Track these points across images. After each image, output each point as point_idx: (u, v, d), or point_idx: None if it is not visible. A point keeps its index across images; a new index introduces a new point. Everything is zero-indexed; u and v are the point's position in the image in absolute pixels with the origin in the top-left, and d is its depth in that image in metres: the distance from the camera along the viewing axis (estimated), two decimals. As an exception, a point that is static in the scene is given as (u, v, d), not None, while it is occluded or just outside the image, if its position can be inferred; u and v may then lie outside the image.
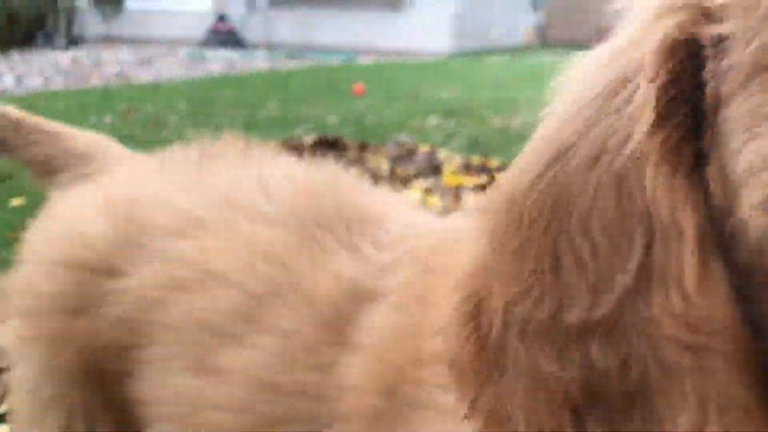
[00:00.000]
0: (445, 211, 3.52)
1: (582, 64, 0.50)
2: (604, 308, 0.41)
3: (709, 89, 0.41)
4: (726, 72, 0.40)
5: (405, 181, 4.28)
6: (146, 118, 6.70)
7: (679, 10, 0.43)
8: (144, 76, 10.47)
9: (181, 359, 0.84)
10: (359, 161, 4.58)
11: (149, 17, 17.48)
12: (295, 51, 15.09)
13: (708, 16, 0.42)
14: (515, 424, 0.43)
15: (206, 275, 0.85)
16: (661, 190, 0.40)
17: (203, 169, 1.00)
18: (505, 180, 0.49)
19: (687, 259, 0.39)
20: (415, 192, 3.86)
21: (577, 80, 0.49)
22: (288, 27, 16.59)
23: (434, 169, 4.44)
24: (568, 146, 0.44)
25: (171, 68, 11.55)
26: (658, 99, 0.41)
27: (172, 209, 0.92)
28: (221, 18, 16.35)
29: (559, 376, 0.41)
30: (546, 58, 15.94)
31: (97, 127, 6.14)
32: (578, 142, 0.44)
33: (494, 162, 4.69)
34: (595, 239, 0.41)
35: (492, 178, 4.33)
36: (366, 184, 1.03)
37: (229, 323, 0.82)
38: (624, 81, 0.43)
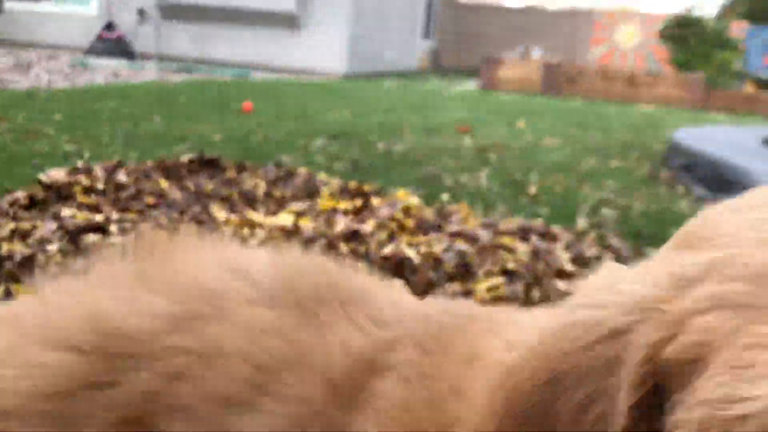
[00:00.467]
0: (318, 234, 3.62)
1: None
2: None
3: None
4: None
5: (280, 203, 4.35)
6: (19, 128, 6.40)
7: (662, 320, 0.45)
8: (21, 82, 9.98)
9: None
10: (236, 182, 4.60)
11: (31, 19, 16.65)
12: (187, 64, 14.80)
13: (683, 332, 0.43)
14: None
15: (213, 355, 0.84)
16: None
17: (154, 275, 0.94)
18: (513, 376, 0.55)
19: None
20: (288, 215, 3.94)
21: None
22: (181, 39, 16.27)
23: (311, 192, 4.53)
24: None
25: (51, 75, 11.05)
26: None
27: (151, 313, 0.88)
28: (109, 25, 15.80)
29: None
30: (436, 83, 16.48)
31: (-39, 136, 5.81)
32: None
33: (371, 186, 4.84)
34: None
35: (366, 201, 4.48)
36: (349, 266, 0.99)
37: (242, 393, 0.81)
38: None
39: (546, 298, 3.24)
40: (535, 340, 0.55)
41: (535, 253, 3.97)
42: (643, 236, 4.87)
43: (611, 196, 6.37)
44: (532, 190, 6.18)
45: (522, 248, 3.94)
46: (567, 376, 0.49)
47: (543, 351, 0.53)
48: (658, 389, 0.44)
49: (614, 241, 4.73)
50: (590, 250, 4.39)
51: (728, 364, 0.40)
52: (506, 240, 3.95)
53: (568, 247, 4.37)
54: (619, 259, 4.35)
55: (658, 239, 4.80)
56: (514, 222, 4.70)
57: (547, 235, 4.51)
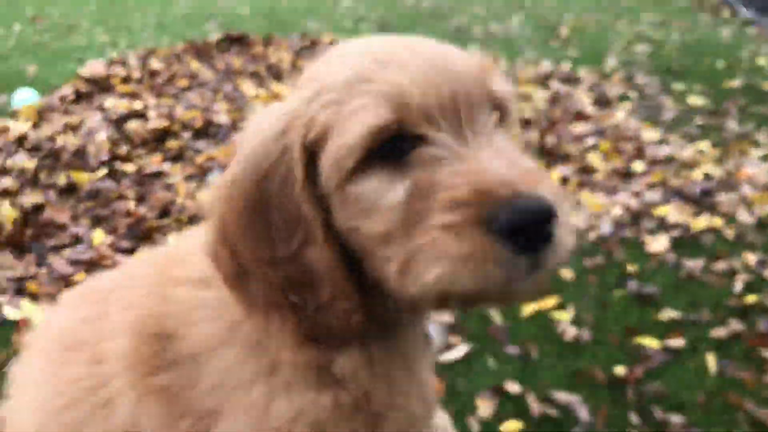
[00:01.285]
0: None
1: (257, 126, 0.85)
2: (290, 250, 0.81)
3: (322, 179, 0.78)
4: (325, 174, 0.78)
5: (307, 73, 4.51)
6: (56, 25, 6.62)
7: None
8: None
9: None
10: (263, 57, 4.76)
11: None
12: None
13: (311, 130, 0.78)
14: (260, 304, 0.83)
15: None
16: (305, 205, 0.79)
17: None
18: (223, 186, 0.83)
19: (319, 235, 0.79)
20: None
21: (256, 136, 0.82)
22: None
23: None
24: (263, 171, 0.80)
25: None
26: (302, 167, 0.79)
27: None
28: None
29: (275, 278, 0.81)
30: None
31: (5, 38, 6.09)
32: (268, 170, 0.80)
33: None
34: (282, 222, 0.80)
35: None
36: None
37: None
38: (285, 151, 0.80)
39: (560, 143, 3.40)
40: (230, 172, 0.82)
41: (555, 99, 4.07)
42: (674, 71, 4.83)
43: (647, 31, 6.22)
44: (564, 32, 6.09)
45: (541, 95, 4.04)
46: (266, 173, 0.79)
47: (241, 174, 0.80)
48: (311, 164, 0.79)
49: (641, 78, 4.74)
50: (614, 90, 4.43)
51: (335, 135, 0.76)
52: (526, 88, 4.04)
53: (591, 89, 4.43)
54: (644, 96, 4.39)
55: (689, 73, 4.78)
56: (537, 68, 4.74)
57: (570, 79, 4.56)
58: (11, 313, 2.25)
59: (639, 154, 3.38)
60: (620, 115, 3.98)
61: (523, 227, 0.67)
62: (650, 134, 3.64)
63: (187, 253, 0.98)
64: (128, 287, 1.01)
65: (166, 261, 1.01)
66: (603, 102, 4.26)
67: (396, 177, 0.74)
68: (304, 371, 0.87)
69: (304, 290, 0.81)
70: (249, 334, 0.89)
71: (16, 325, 2.21)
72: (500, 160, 0.71)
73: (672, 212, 2.78)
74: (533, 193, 0.67)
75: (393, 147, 0.74)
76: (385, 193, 0.74)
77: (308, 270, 0.80)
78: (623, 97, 4.36)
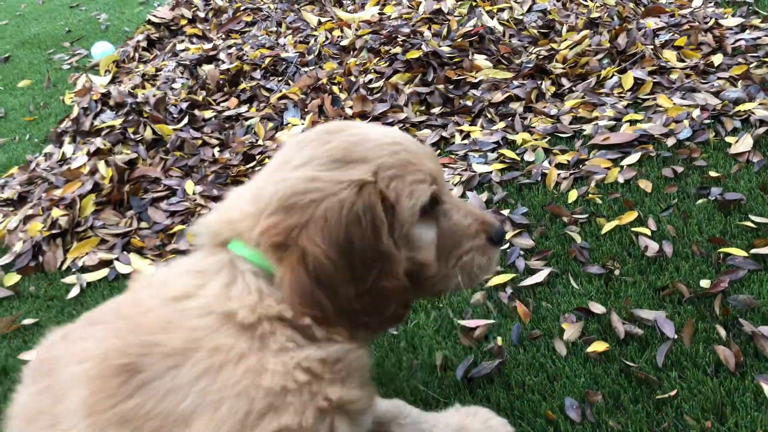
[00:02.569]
0: (402, 20, 3.77)
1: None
2: (367, 284, 1.04)
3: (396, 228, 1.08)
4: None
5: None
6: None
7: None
8: None
9: None
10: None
11: None
12: None
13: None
14: (345, 329, 1.05)
15: None
16: (391, 247, 1.06)
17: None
18: (313, 244, 1.01)
19: (398, 268, 1.06)
20: (372, 6, 4.07)
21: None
22: None
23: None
24: (350, 228, 1.02)
25: None
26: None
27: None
28: None
29: (356, 307, 1.04)
30: None
31: (71, -13, 6.21)
32: (353, 228, 1.02)
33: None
34: (362, 264, 1.02)
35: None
36: None
37: None
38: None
39: (632, 42, 3.27)
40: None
41: (624, -6, 3.88)
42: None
43: None
44: None
45: (609, -10, 3.86)
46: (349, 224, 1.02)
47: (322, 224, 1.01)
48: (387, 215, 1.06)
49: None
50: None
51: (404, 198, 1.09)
52: (592, -15, 3.86)
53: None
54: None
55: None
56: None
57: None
58: (122, 268, 2.47)
59: (719, 45, 3.22)
60: (697, 2, 3.76)
61: (503, 239, 1.25)
62: (730, 20, 3.44)
63: (160, 280, 1.08)
64: (85, 337, 1.08)
65: (130, 296, 1.13)
66: (678, -11, 4.02)
67: (432, 222, 1.16)
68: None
69: (372, 312, 1.07)
70: (237, 319, 0.99)
71: (129, 279, 2.43)
72: (469, 206, 1.23)
73: (757, 108, 2.68)
74: (496, 221, 1.24)
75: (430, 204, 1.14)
76: (429, 231, 1.15)
77: (382, 296, 1.06)
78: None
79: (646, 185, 2.39)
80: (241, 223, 1.04)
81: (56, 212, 2.67)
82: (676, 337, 1.75)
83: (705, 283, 1.92)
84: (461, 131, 2.93)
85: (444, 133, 2.92)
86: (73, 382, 1.02)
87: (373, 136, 1.11)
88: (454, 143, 2.87)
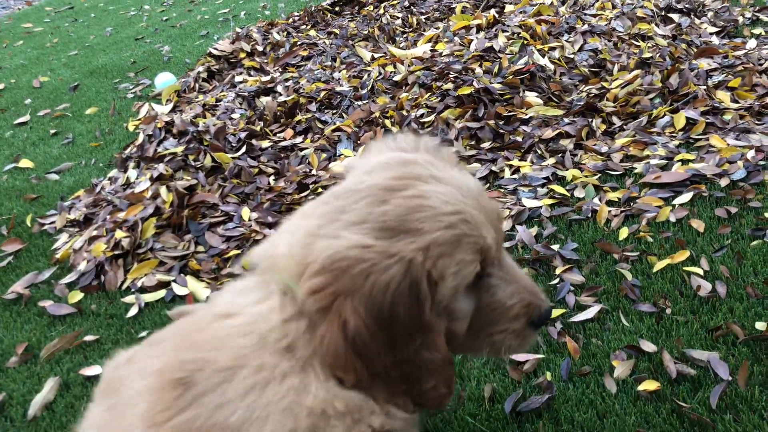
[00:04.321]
0: (454, 57, 3.85)
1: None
2: (408, 353, 1.06)
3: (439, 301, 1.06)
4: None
5: (416, 30, 4.57)
6: (178, 1, 6.97)
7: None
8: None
9: None
10: (374, 17, 4.84)
11: None
12: None
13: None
14: (382, 394, 1.06)
15: None
16: (434, 320, 1.05)
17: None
18: (354, 313, 1.00)
19: (440, 341, 1.06)
20: (424, 44, 4.18)
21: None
22: None
23: (444, 11, 4.66)
24: (394, 301, 1.01)
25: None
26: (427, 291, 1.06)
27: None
28: None
29: (396, 375, 1.06)
30: None
31: (138, 18, 6.51)
32: (398, 300, 1.01)
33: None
34: (405, 333, 1.03)
35: (500, 10, 4.54)
36: None
37: None
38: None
39: (685, 82, 3.28)
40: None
41: (675, 35, 3.89)
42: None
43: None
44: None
45: (660, 32, 3.88)
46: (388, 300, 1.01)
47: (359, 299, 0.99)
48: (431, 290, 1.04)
49: (775, -4, 4.39)
50: (743, 15, 4.16)
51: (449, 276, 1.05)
52: (643, 26, 3.89)
53: (717, 16, 4.19)
54: (778, 17, 4.09)
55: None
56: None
57: (693, 9, 4.32)
58: (179, 290, 2.56)
59: (775, 87, 3.21)
60: (751, 43, 3.75)
61: (546, 320, 1.21)
62: (787, 63, 3.42)
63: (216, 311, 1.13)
64: (148, 356, 1.16)
65: (188, 322, 1.19)
66: (731, 31, 4.02)
67: (474, 294, 1.13)
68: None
69: (414, 381, 1.08)
70: (278, 340, 1.04)
71: (184, 301, 2.52)
72: (522, 280, 1.18)
73: (813, 151, 2.65)
74: (544, 303, 1.18)
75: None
76: (470, 305, 1.13)
77: (421, 367, 1.07)
78: (754, 21, 4.09)
79: (698, 225, 2.38)
80: (288, 267, 1.06)
81: (119, 234, 2.79)
82: (730, 378, 1.74)
83: (761, 326, 1.90)
84: (511, 166, 2.97)
85: (494, 168, 2.96)
86: (135, 396, 1.09)
87: (433, 201, 1.05)
88: (503, 177, 2.91)
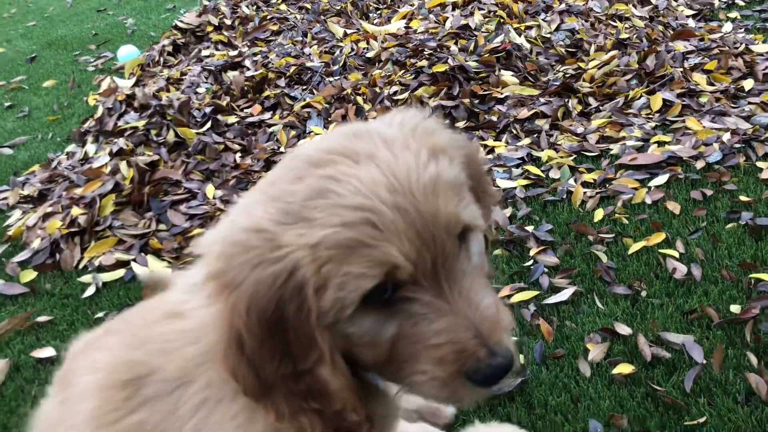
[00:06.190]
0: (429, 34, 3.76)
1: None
2: (307, 365, 0.88)
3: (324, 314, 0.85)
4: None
5: (390, 6, 4.46)
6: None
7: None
8: None
9: None
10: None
11: None
12: None
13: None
14: (286, 412, 0.89)
15: None
16: (318, 334, 0.85)
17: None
18: (234, 308, 0.85)
19: (330, 360, 0.87)
20: (399, 20, 4.07)
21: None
22: None
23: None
24: (279, 299, 0.84)
25: None
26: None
27: None
28: None
29: (297, 389, 0.89)
30: None
31: (100, -8, 6.27)
32: (283, 299, 0.85)
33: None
34: (298, 341, 0.86)
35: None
36: None
37: None
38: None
39: (661, 64, 3.24)
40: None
41: (653, 17, 3.85)
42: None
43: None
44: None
45: (638, 12, 3.83)
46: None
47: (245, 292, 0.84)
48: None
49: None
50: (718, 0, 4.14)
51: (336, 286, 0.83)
52: (621, 6, 3.84)
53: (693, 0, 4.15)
54: (753, 0, 4.08)
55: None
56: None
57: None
58: (138, 269, 2.45)
59: (750, 71, 3.18)
60: (727, 27, 3.72)
61: (492, 380, 0.87)
62: (762, 47, 3.40)
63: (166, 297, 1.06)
64: (99, 347, 1.11)
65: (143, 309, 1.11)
66: (707, 14, 3.99)
67: (385, 320, 0.87)
68: None
69: (322, 398, 0.90)
70: None
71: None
72: (471, 315, 0.86)
73: (788, 135, 2.63)
74: (500, 350, 0.85)
75: (382, 292, 0.85)
76: (377, 332, 0.87)
77: (323, 383, 0.89)
78: (730, 5, 4.06)
79: (674, 207, 2.34)
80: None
81: (76, 211, 2.66)
82: (705, 362, 1.70)
83: (735, 309, 1.86)
84: (485, 146, 2.90)
85: (468, 148, 2.89)
86: (85, 392, 1.05)
87: (342, 187, 0.84)
88: (477, 158, 2.84)
